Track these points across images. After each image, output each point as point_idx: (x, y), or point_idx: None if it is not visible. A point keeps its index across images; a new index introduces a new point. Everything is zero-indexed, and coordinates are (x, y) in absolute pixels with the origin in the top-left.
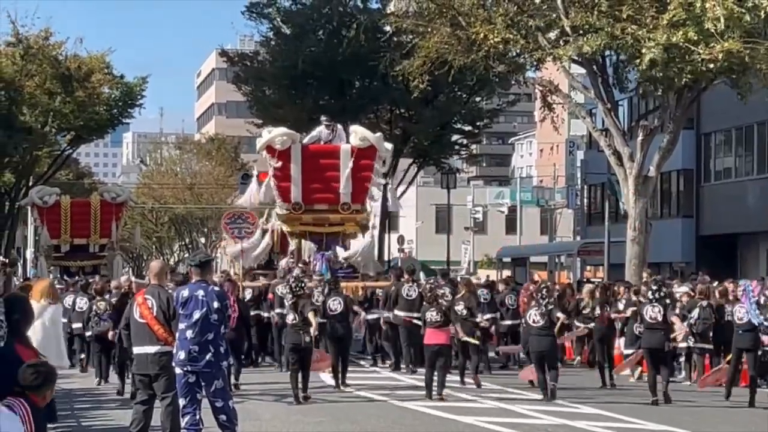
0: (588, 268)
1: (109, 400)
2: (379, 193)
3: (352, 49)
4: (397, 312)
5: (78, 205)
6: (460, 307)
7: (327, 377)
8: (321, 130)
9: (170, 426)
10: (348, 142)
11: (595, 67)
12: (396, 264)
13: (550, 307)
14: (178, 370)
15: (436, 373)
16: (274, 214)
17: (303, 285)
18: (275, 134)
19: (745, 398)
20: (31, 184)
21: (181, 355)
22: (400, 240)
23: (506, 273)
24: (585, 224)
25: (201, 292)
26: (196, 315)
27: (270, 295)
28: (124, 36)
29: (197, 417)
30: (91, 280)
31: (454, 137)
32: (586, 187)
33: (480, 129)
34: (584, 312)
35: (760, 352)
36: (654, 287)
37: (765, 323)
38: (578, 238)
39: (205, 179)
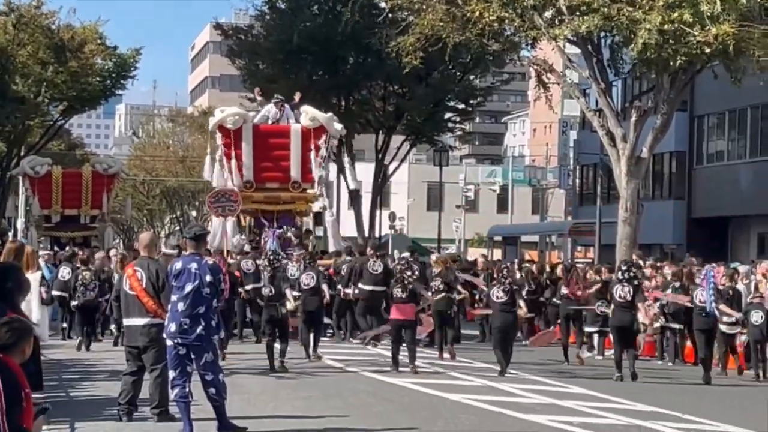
0: (579, 248)
1: (98, 371)
2: (327, 172)
3: (347, 25)
4: (361, 285)
5: (69, 175)
6: (437, 283)
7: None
8: (269, 109)
9: (158, 398)
10: (297, 121)
11: (590, 47)
12: (383, 241)
13: (515, 286)
14: (168, 342)
15: (405, 348)
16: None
17: (279, 258)
18: (227, 113)
19: (730, 380)
20: (22, 153)
21: (172, 327)
22: (392, 217)
23: (497, 252)
24: (576, 204)
25: (194, 265)
26: (188, 287)
27: (237, 272)
28: (118, 7)
29: (187, 389)
30: (77, 251)
31: (447, 115)
32: (578, 167)
33: (473, 107)
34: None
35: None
36: (624, 267)
37: (716, 311)
38: (569, 218)
39: (197, 152)
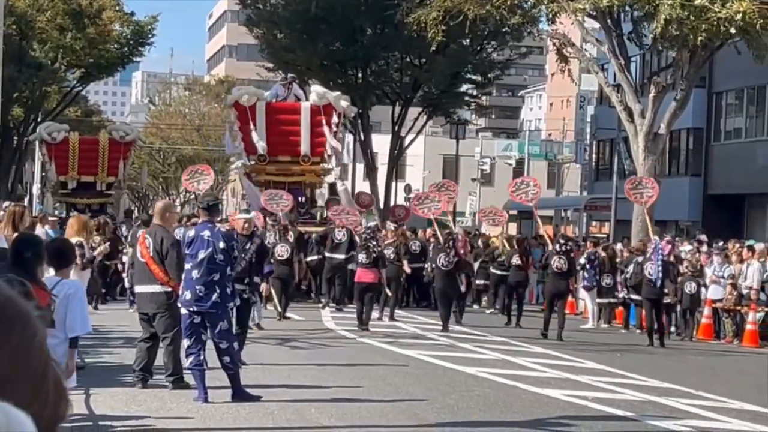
0: (593, 223)
1: (113, 338)
2: (338, 146)
3: None
4: (327, 253)
5: (86, 142)
6: (389, 252)
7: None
8: (277, 88)
9: (172, 365)
10: (306, 99)
11: (609, 21)
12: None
13: (457, 256)
14: (183, 311)
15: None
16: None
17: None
18: (242, 92)
19: (732, 355)
20: (39, 119)
21: (187, 295)
22: (407, 189)
23: (512, 226)
24: (592, 179)
25: (207, 233)
26: (201, 255)
27: None
28: None
29: (201, 357)
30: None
31: (464, 87)
32: (594, 142)
33: (491, 80)
34: (499, 260)
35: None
36: (561, 241)
37: (660, 281)
38: (585, 193)
39: (213, 121)
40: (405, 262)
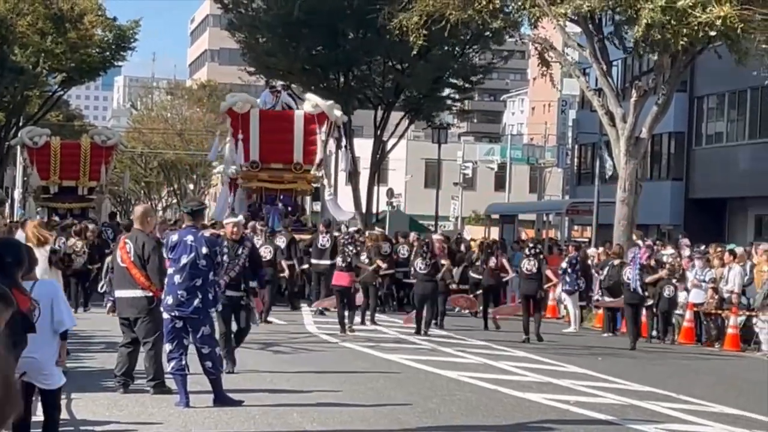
0: (576, 227)
1: (95, 342)
2: (325, 154)
3: (348, 0)
4: (312, 260)
5: (68, 146)
6: (363, 257)
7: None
8: (265, 95)
9: (153, 370)
10: (295, 108)
11: (591, 26)
12: (380, 218)
13: (434, 260)
14: (165, 315)
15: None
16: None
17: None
18: (236, 99)
19: (713, 358)
20: (21, 124)
21: (169, 300)
22: (389, 193)
23: (494, 230)
24: (574, 183)
25: (190, 237)
26: (184, 260)
27: None
28: None
29: (183, 362)
30: (69, 222)
31: (447, 92)
32: (576, 146)
33: (473, 84)
34: (476, 264)
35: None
36: (531, 245)
37: (639, 288)
38: (567, 197)
39: (195, 126)
40: (378, 261)
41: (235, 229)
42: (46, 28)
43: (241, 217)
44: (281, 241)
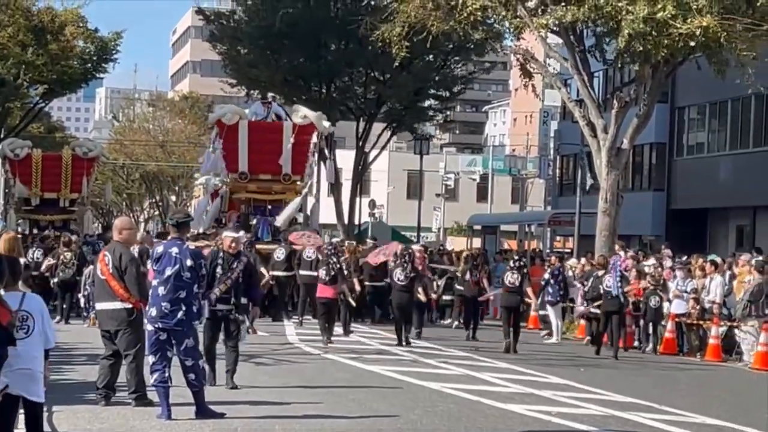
0: (558, 238)
1: (78, 355)
2: (313, 168)
3: (330, 11)
4: (300, 272)
5: (49, 158)
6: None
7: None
8: (257, 107)
9: (135, 383)
10: (284, 119)
11: (572, 37)
12: (362, 229)
13: (414, 272)
14: (149, 327)
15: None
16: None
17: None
18: (225, 110)
19: (695, 369)
20: (2, 136)
21: (153, 311)
22: (371, 204)
23: (476, 241)
24: (556, 194)
25: (175, 249)
26: (168, 271)
27: None
28: None
29: (166, 374)
30: (47, 234)
31: (428, 103)
32: (558, 157)
33: (454, 95)
34: (459, 276)
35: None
36: (515, 257)
37: (621, 295)
38: (549, 208)
39: (177, 137)
40: (355, 280)
41: (233, 244)
42: (26, 40)
43: (242, 233)
44: (281, 253)
